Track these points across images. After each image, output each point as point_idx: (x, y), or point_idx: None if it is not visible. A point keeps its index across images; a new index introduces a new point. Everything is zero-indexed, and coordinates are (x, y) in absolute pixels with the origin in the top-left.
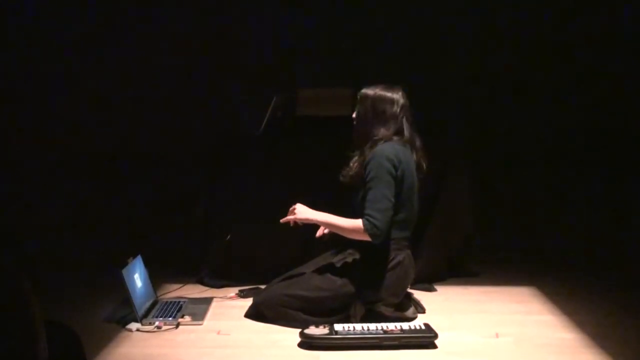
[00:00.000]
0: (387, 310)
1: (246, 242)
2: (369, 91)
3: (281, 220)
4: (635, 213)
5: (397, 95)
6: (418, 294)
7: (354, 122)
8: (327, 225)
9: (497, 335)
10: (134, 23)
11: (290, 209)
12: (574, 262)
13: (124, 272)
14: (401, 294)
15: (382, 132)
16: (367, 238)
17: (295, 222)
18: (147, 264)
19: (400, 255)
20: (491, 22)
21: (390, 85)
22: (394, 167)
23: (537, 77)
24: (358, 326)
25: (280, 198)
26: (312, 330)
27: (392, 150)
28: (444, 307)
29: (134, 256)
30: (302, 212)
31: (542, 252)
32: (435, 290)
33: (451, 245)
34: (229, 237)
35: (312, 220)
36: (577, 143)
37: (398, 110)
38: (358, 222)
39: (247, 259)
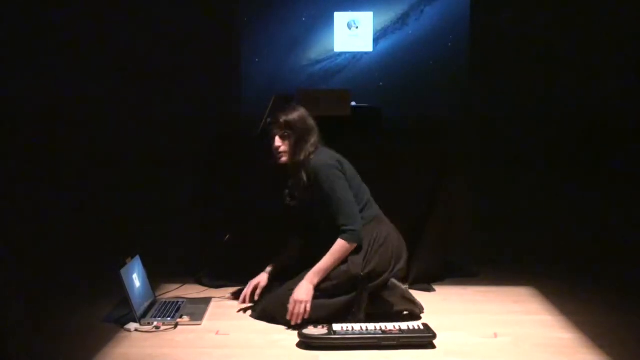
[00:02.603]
0: (397, 285)
1: (245, 243)
2: (293, 115)
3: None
4: (633, 213)
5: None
6: (417, 294)
7: (286, 152)
8: (325, 272)
9: (495, 336)
10: (132, 21)
11: (291, 307)
12: (572, 262)
13: (123, 272)
14: (404, 258)
15: (312, 142)
16: (354, 246)
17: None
18: (145, 264)
19: (383, 229)
20: (493, 21)
21: (291, 103)
22: (338, 166)
23: (538, 76)
24: (357, 326)
25: (279, 198)
26: (311, 330)
27: (327, 154)
28: (442, 307)
29: (133, 256)
30: (302, 297)
31: (540, 252)
32: (433, 290)
33: (450, 246)
34: (227, 237)
35: (313, 289)
36: (577, 143)
37: (313, 119)
38: (340, 243)
39: (246, 259)
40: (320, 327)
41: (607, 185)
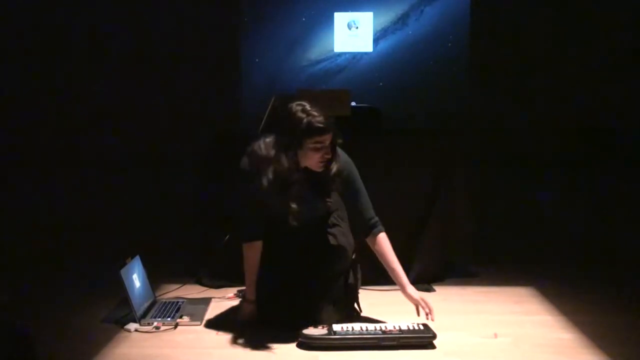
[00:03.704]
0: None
1: None
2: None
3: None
4: (633, 213)
5: None
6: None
7: (333, 148)
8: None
9: (495, 336)
10: (132, 21)
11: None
12: (572, 262)
13: (123, 272)
14: None
15: None
16: None
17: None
18: (145, 264)
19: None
20: (493, 21)
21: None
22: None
23: (538, 77)
24: (357, 326)
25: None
26: (311, 331)
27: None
28: (442, 307)
29: (133, 256)
30: (419, 296)
31: (540, 252)
32: (433, 290)
33: (450, 246)
34: (228, 237)
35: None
36: (577, 143)
37: None
38: (385, 236)
39: None
40: (320, 327)
41: (608, 185)
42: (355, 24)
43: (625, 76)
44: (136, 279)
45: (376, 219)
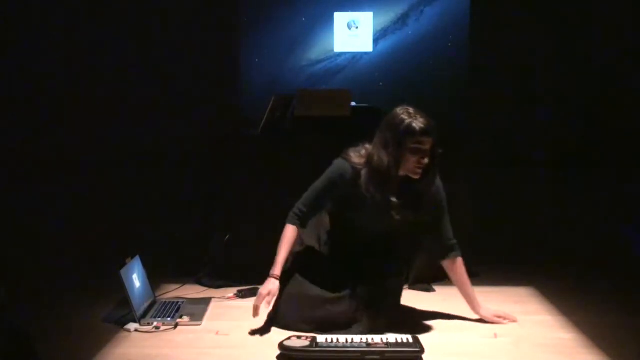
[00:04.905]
0: None
1: (245, 243)
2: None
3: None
4: (634, 213)
5: None
6: (417, 294)
7: (433, 157)
8: None
9: (495, 336)
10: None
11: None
12: (572, 262)
13: (123, 272)
14: None
15: None
16: None
17: None
18: (145, 264)
19: None
20: (493, 21)
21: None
22: None
23: (538, 77)
24: (342, 338)
25: (279, 199)
26: (293, 342)
27: None
28: (442, 307)
29: (133, 256)
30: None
31: (540, 252)
32: (434, 290)
33: None
34: (228, 237)
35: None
36: (577, 143)
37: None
38: (459, 260)
39: (246, 259)
40: (303, 338)
41: (608, 186)
42: (355, 24)
43: (626, 76)
44: (136, 279)
45: (455, 241)
